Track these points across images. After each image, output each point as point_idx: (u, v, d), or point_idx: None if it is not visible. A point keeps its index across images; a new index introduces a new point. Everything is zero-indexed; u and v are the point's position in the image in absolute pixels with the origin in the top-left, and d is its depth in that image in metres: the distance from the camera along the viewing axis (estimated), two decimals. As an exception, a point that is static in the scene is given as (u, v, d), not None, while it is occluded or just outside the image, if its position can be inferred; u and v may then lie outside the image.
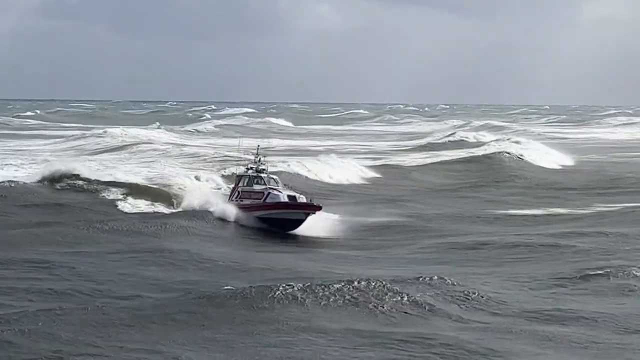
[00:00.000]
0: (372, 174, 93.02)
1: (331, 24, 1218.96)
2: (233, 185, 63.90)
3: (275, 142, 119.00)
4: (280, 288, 33.27)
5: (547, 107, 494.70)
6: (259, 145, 66.50)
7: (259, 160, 63.57)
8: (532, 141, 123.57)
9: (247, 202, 60.24)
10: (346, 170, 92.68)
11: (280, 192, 59.28)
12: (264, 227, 58.10)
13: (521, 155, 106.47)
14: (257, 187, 60.37)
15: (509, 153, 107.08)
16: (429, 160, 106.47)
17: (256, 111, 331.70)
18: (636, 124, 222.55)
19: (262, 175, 61.43)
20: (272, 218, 58.25)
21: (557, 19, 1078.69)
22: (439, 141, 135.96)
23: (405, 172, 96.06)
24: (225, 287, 35.09)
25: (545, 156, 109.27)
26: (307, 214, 57.22)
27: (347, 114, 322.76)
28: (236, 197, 61.60)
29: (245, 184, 61.40)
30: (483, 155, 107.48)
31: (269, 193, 59.09)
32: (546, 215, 64.49)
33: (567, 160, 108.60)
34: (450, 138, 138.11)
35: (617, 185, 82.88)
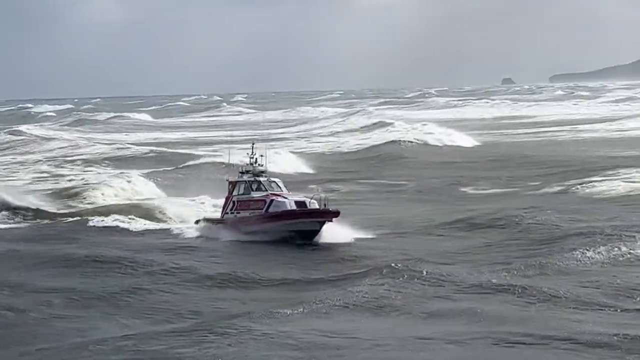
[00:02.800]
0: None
1: (112, 16, 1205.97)
2: (226, 195, 53.39)
3: (190, 135, 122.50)
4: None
5: (342, 91, 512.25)
6: (253, 143, 56.99)
7: (256, 161, 53.88)
8: (429, 124, 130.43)
9: (245, 214, 51.20)
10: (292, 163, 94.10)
11: (285, 198, 50.51)
12: (267, 239, 49.23)
13: (442, 138, 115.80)
14: (256, 195, 51.33)
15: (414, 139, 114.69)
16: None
17: (74, 106, 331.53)
18: (467, 104, 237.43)
19: (261, 179, 52.46)
20: (279, 231, 49.18)
21: (336, 6, 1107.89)
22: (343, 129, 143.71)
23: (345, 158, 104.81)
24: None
25: (455, 137, 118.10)
26: (322, 223, 48.47)
27: (169, 106, 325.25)
28: (231, 209, 52.25)
29: (241, 192, 52.18)
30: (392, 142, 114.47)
31: (272, 200, 50.17)
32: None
33: (472, 140, 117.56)
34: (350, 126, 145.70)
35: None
